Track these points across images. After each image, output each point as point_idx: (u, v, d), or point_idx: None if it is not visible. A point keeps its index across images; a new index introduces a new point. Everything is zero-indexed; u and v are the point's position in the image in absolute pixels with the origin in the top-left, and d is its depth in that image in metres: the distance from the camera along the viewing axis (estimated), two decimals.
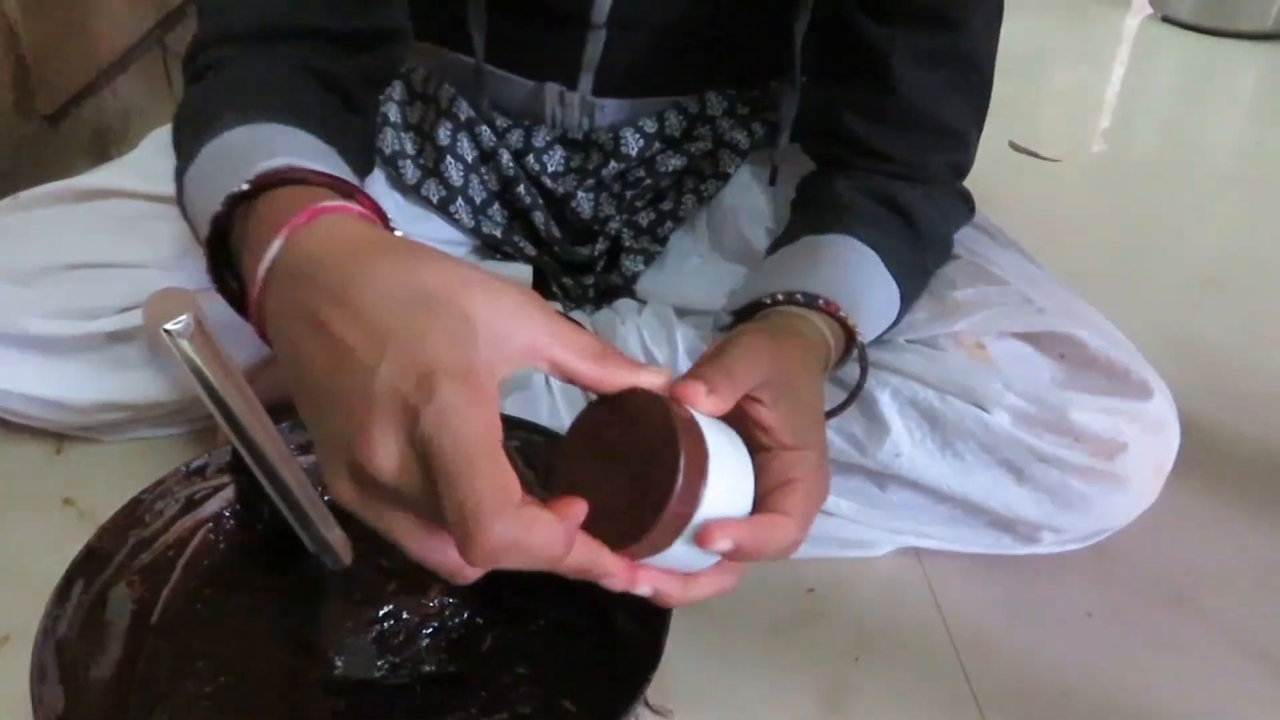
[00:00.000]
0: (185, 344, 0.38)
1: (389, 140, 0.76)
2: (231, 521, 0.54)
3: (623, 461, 0.38)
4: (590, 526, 0.37)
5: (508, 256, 0.79)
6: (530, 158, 0.74)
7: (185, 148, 0.51)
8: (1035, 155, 1.34)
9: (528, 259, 0.77)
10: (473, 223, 0.77)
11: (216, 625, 0.50)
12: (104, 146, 1.00)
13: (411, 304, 0.35)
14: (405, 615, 0.49)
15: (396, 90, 0.78)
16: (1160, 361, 0.65)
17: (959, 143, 0.67)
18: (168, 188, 0.65)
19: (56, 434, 0.73)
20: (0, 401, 0.70)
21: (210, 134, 0.49)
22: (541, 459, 0.53)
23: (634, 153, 0.74)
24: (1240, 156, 1.51)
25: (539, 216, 0.76)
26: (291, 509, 0.46)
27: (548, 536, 0.34)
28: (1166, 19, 2.08)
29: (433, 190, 0.76)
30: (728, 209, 0.75)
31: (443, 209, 0.76)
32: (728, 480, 0.39)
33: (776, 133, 0.70)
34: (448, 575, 0.38)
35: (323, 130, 0.51)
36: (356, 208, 0.41)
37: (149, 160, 0.70)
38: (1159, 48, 1.99)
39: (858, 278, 0.59)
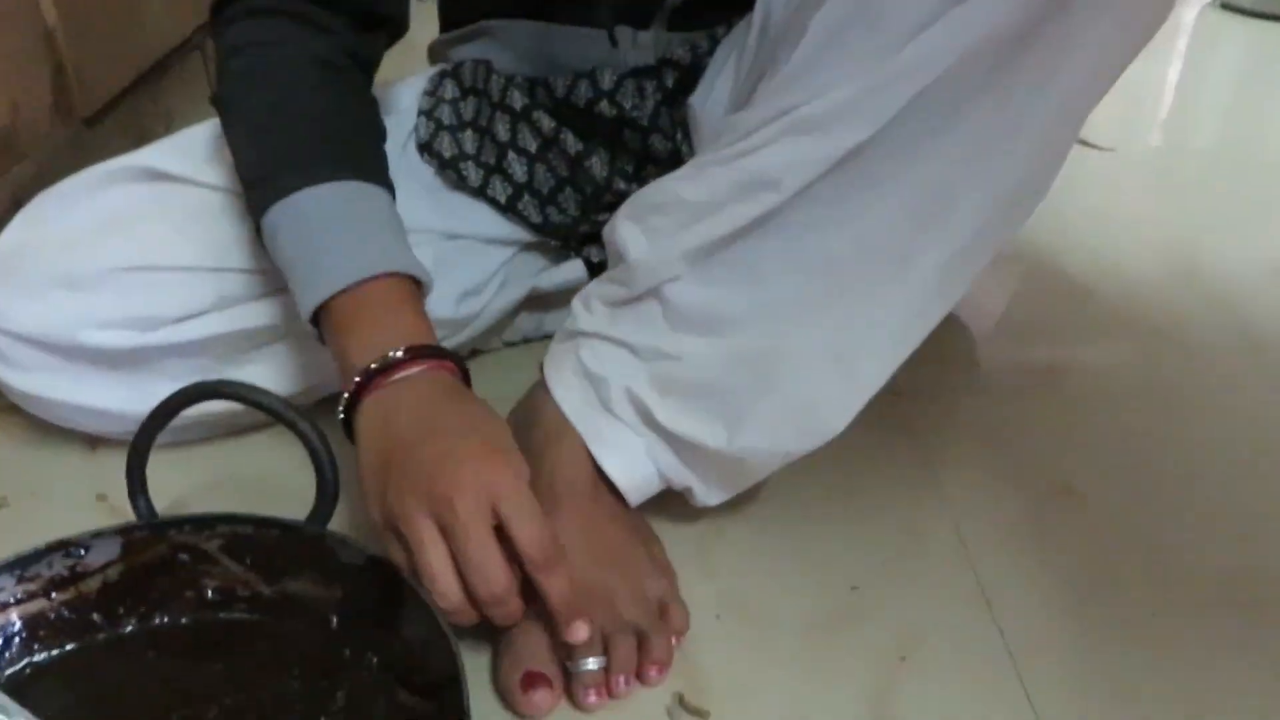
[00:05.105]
0: None
1: (446, 144, 0.76)
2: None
3: None
4: None
5: (560, 251, 0.79)
6: (604, 103, 0.73)
7: (255, 192, 0.62)
8: (1088, 145, 1.30)
9: (594, 234, 0.76)
10: (540, 217, 0.77)
11: None
12: None
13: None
14: None
15: (447, 89, 0.78)
16: (1229, 355, 0.62)
17: None
18: (228, 179, 0.68)
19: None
20: (45, 409, 0.70)
21: (280, 188, 0.60)
22: (252, 549, 0.53)
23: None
24: None
25: (627, 169, 0.74)
26: None
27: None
28: (1226, 6, 2.01)
29: (499, 189, 0.76)
30: None
31: (510, 208, 0.76)
32: None
33: None
34: (447, 609, 0.49)
35: (367, 149, 0.65)
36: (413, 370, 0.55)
37: (210, 145, 0.70)
38: (1219, 36, 1.93)
39: None
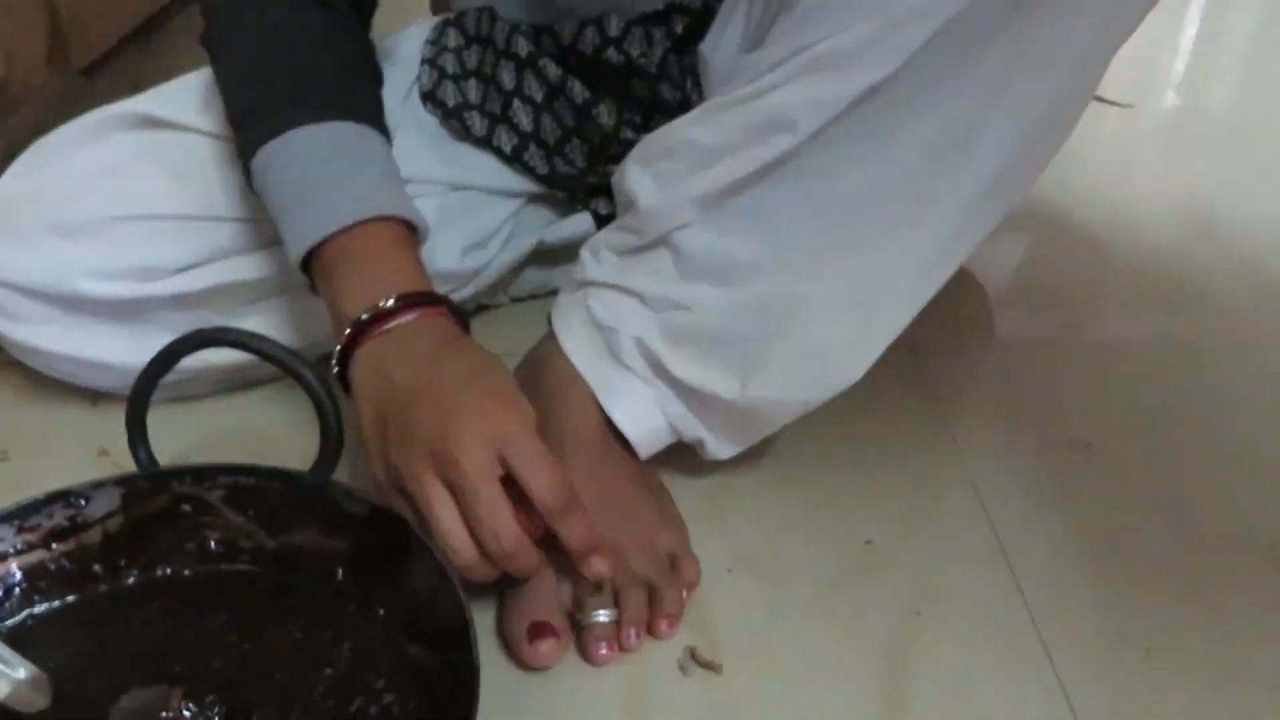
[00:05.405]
0: None
1: (450, 94, 0.74)
2: None
3: None
4: None
5: (567, 204, 0.77)
6: (611, 51, 0.71)
7: (243, 133, 0.60)
8: (1106, 102, 1.28)
9: (603, 186, 0.74)
10: (546, 168, 0.75)
11: None
12: None
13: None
14: None
15: (450, 38, 0.76)
16: (1247, 311, 0.60)
17: None
18: (227, 126, 0.65)
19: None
20: (45, 363, 0.69)
21: (270, 128, 0.58)
22: (254, 500, 0.52)
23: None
24: None
25: (636, 119, 0.72)
26: None
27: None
28: None
29: (504, 139, 0.74)
30: None
31: (516, 158, 0.75)
32: None
33: None
34: (462, 566, 0.48)
35: (360, 90, 0.63)
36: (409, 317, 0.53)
37: (208, 92, 0.68)
38: None
39: None
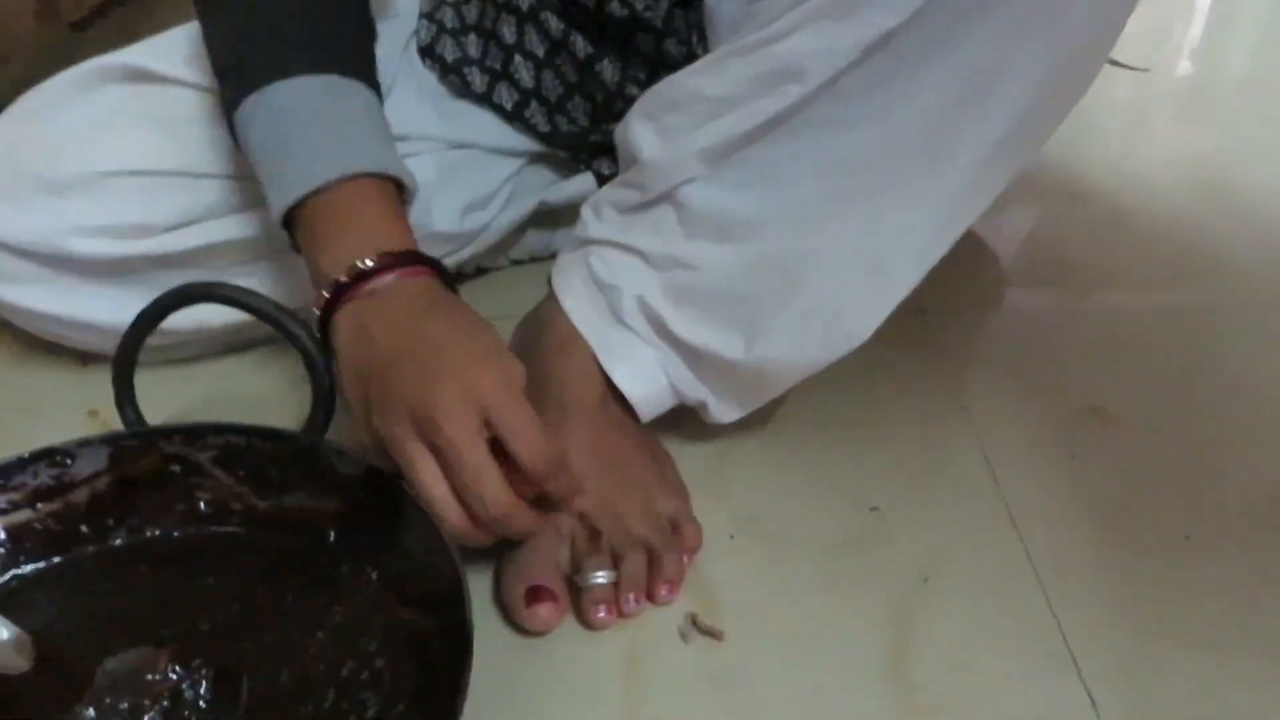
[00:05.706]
0: None
1: (449, 49, 0.73)
2: None
3: None
4: None
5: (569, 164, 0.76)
6: (615, 4, 0.68)
7: (227, 85, 0.58)
8: (1121, 65, 1.25)
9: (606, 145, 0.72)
10: (548, 126, 0.73)
11: None
12: None
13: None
14: (126, 704, 0.42)
15: None
16: (1261, 276, 0.58)
17: None
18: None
19: None
20: (34, 324, 0.68)
21: (252, 81, 0.55)
22: (245, 460, 0.51)
23: None
24: None
25: (640, 76, 0.70)
26: None
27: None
28: None
29: (505, 96, 0.73)
30: None
31: (517, 115, 0.73)
32: None
33: None
34: (452, 532, 0.47)
35: (350, 43, 0.60)
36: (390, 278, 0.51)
37: (201, 45, 0.65)
38: None
39: None
